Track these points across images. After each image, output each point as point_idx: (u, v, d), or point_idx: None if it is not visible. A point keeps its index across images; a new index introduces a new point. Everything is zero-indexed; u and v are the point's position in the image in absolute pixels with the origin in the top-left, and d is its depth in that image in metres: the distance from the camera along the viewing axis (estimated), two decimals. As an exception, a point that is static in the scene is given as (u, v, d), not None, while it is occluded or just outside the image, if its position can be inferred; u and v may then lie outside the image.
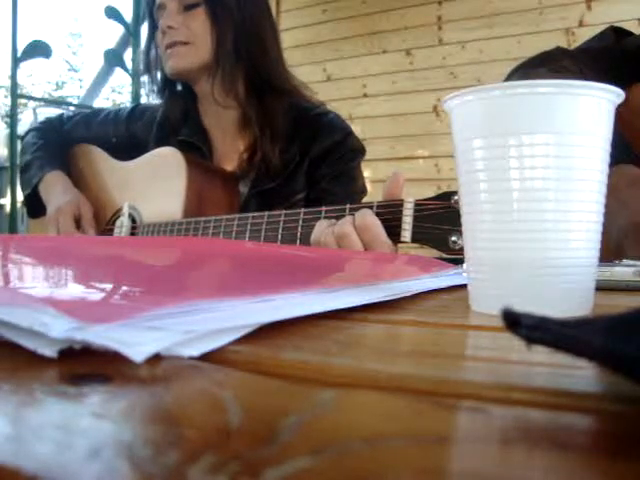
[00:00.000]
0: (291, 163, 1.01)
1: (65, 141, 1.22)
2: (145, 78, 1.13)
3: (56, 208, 1.08)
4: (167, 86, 1.11)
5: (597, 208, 0.34)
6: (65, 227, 1.06)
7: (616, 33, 0.90)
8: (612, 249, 0.68)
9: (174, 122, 1.10)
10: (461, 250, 0.64)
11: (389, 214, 0.69)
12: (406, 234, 0.68)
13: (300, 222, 0.77)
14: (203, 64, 1.02)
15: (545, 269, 0.33)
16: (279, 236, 0.79)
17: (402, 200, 0.69)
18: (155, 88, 1.11)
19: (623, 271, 0.49)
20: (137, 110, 1.20)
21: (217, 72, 1.02)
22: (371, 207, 0.70)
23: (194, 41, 1.01)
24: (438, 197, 0.68)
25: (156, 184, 1.03)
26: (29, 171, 1.17)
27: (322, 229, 0.71)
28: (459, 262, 0.59)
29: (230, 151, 1.07)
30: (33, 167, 1.16)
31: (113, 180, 1.14)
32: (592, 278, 0.35)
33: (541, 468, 0.12)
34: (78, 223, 1.08)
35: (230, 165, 1.06)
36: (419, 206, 0.68)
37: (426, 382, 0.19)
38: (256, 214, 0.83)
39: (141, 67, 1.13)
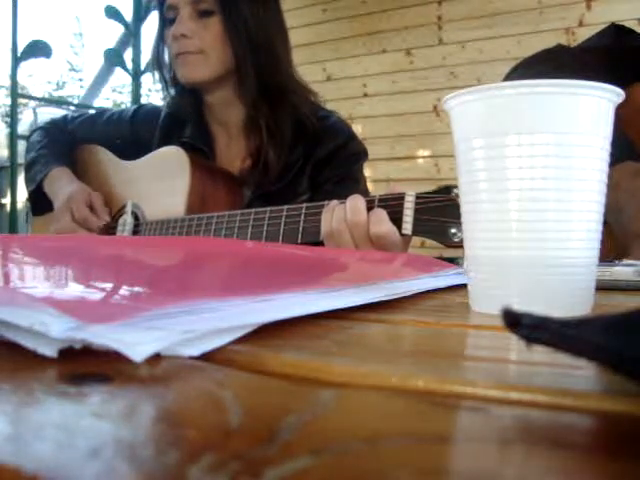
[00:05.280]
0: (294, 167, 1.01)
1: (70, 140, 1.22)
2: (154, 76, 1.13)
3: (67, 197, 1.07)
4: (176, 84, 1.10)
5: (597, 208, 0.34)
6: (80, 213, 1.05)
7: (617, 31, 0.90)
8: (624, 241, 0.69)
9: (180, 121, 1.10)
10: (461, 242, 0.65)
11: (390, 207, 0.70)
12: (407, 227, 0.69)
13: (302, 217, 0.78)
14: (216, 75, 1.01)
15: (545, 269, 0.33)
16: (281, 231, 0.79)
17: (403, 193, 0.70)
18: (163, 85, 1.11)
19: (623, 271, 0.49)
20: (140, 111, 1.20)
21: (232, 82, 1.01)
22: (373, 200, 0.71)
23: (207, 51, 0.99)
24: (439, 191, 0.69)
25: (159, 183, 1.03)
26: (34, 168, 1.17)
27: (333, 217, 0.72)
28: (458, 260, 0.60)
29: (233, 155, 1.07)
30: (38, 164, 1.16)
31: (117, 179, 1.14)
32: (592, 278, 0.35)
33: (541, 468, 0.12)
34: (91, 210, 1.08)
35: (233, 168, 1.06)
36: (420, 199, 0.69)
37: (426, 382, 0.19)
38: (258, 210, 0.84)
39: (149, 64, 1.13)
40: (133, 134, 1.16)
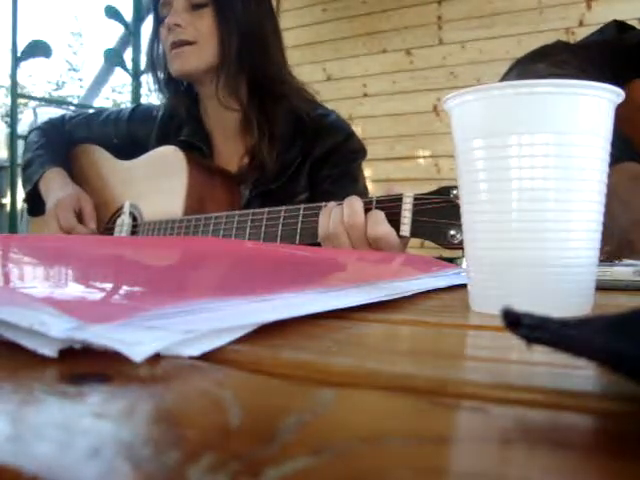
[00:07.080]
0: (293, 164, 1.01)
1: (67, 140, 1.22)
2: (149, 76, 1.13)
3: (55, 202, 1.08)
4: (171, 84, 1.10)
5: (597, 208, 0.34)
6: (65, 221, 1.06)
7: (619, 27, 0.89)
8: (614, 248, 0.68)
9: (177, 120, 1.10)
10: (460, 244, 0.65)
11: (388, 209, 0.70)
12: (405, 228, 0.69)
13: (300, 218, 0.77)
14: (208, 66, 1.01)
15: (545, 269, 0.33)
16: (279, 232, 0.79)
17: (401, 194, 0.70)
18: (157, 86, 1.11)
19: (623, 271, 0.49)
20: (138, 110, 1.20)
21: (221, 74, 1.01)
22: (370, 202, 0.71)
23: (200, 41, 1.00)
24: (437, 192, 0.68)
25: (157, 183, 1.03)
26: (30, 168, 1.17)
27: (330, 219, 0.72)
28: (457, 260, 0.59)
29: (231, 153, 1.07)
30: (34, 165, 1.16)
31: (114, 179, 1.14)
32: (592, 278, 0.35)
33: (541, 468, 0.12)
34: (79, 217, 1.08)
35: (231, 166, 1.06)
36: (418, 200, 0.68)
37: (426, 382, 0.19)
38: (256, 210, 0.83)
39: (144, 65, 1.13)
40: (130, 134, 1.17)
